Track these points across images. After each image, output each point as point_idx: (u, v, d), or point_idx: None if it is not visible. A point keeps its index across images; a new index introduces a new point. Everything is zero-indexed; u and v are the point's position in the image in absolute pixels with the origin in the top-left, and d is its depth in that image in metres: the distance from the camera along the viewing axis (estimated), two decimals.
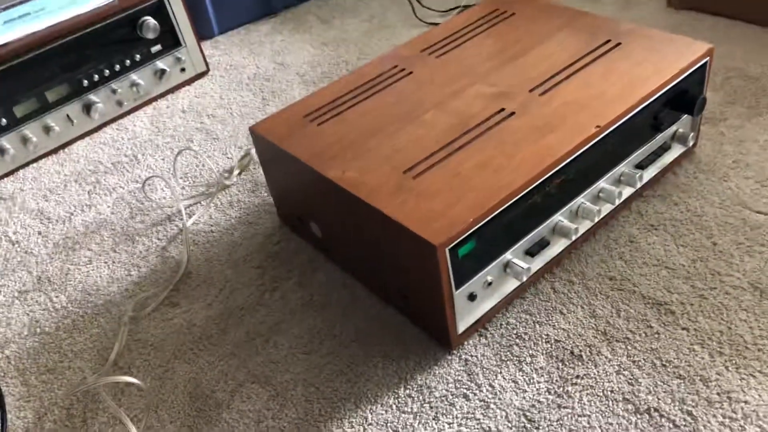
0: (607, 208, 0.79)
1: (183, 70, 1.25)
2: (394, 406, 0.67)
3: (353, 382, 0.70)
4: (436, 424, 0.65)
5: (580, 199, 0.75)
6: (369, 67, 0.89)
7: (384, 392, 0.69)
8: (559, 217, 0.74)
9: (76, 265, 0.92)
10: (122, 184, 1.05)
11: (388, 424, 0.66)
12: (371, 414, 0.67)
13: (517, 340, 0.71)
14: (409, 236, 0.63)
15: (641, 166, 0.81)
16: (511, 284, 0.73)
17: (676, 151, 0.86)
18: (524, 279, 0.71)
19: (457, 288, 0.66)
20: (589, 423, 0.63)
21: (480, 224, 0.64)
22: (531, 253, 0.73)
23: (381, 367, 0.71)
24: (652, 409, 0.62)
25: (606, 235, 0.81)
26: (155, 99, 1.24)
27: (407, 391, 0.68)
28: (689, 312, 0.70)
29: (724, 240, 0.77)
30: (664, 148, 0.83)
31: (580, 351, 0.69)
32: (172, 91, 1.25)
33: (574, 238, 0.75)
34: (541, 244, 0.73)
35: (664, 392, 0.64)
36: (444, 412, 0.66)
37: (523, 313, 0.74)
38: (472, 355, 0.71)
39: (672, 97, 0.79)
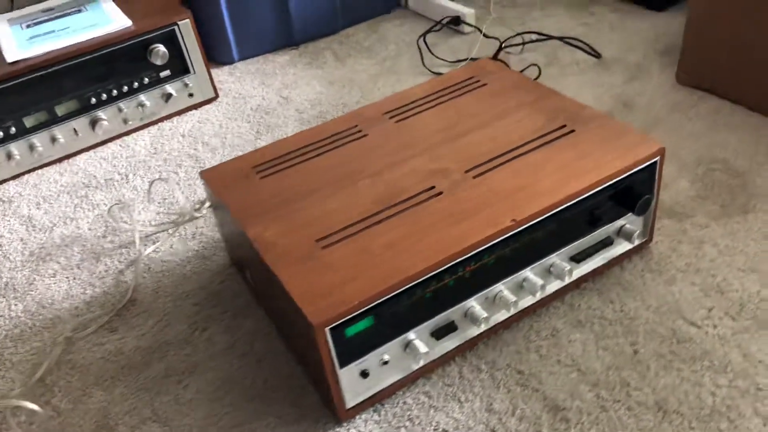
0: (529, 300, 0.77)
1: (191, 95, 1.30)
2: None
3: None
4: None
5: (499, 287, 0.74)
6: (331, 123, 0.91)
7: None
8: (473, 303, 0.73)
9: (41, 276, 0.97)
10: (106, 202, 1.10)
11: None
12: None
13: (407, 423, 0.71)
14: (296, 309, 0.64)
15: (576, 259, 0.79)
16: (413, 364, 0.72)
17: (622, 246, 0.83)
18: (421, 363, 0.71)
19: (342, 365, 0.66)
20: None
21: (370, 305, 0.64)
22: (436, 336, 0.72)
23: (272, 427, 0.72)
24: None
25: (530, 324, 0.79)
26: (161, 120, 1.29)
27: None
28: (584, 422, 0.68)
29: (646, 349, 0.74)
30: (605, 243, 0.80)
31: None
32: (179, 113, 1.31)
33: (483, 327, 0.74)
34: (449, 329, 0.72)
35: None
36: None
37: (423, 394, 0.73)
38: (360, 431, 0.71)
39: (616, 192, 0.77)
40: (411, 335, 0.71)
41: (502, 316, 0.76)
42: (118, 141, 1.26)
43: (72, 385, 0.80)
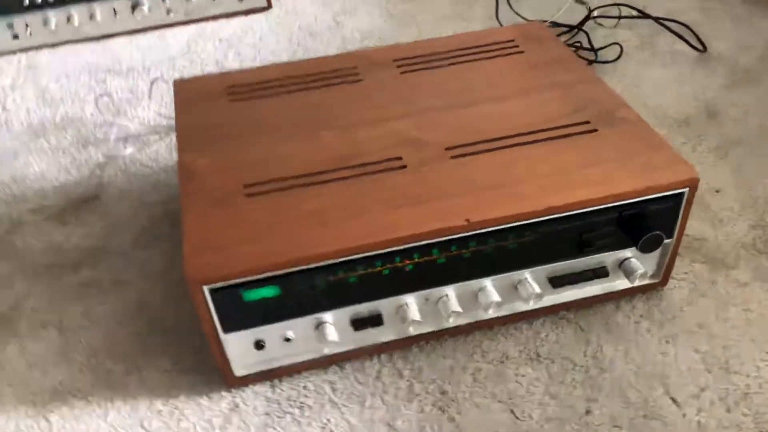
0: (482, 314, 0.65)
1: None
2: (137, 416, 0.62)
3: (129, 372, 0.66)
4: None
5: (447, 290, 0.63)
6: (331, 59, 0.80)
7: (143, 397, 0.64)
8: (409, 300, 0.62)
9: (29, 151, 0.95)
10: (119, 90, 1.06)
11: (117, 430, 0.62)
12: (114, 413, 0.63)
13: (297, 410, 0.62)
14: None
15: (555, 283, 0.65)
16: (323, 349, 0.63)
17: (622, 282, 0.68)
18: (326, 351, 0.62)
19: (228, 331, 0.59)
20: None
21: (265, 275, 0.55)
22: (355, 325, 0.62)
23: (162, 371, 0.66)
24: None
25: (481, 339, 0.67)
26: (206, 19, 1.23)
27: (161, 408, 0.63)
28: None
29: (602, 412, 0.61)
30: (598, 273, 0.66)
31: None
32: (225, 16, 1.23)
33: (412, 330, 0.63)
34: (373, 321, 0.62)
35: None
36: None
37: (329, 384, 0.64)
38: (245, 404, 0.63)
39: (620, 218, 0.62)
40: (327, 317, 0.61)
41: (441, 323, 0.65)
42: (157, 32, 1.21)
43: (2, 268, 0.78)
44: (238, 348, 0.60)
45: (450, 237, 0.58)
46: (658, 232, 0.61)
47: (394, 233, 0.56)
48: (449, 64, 0.77)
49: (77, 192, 0.88)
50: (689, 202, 0.62)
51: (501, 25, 1.18)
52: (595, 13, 1.16)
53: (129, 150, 0.94)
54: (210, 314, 0.56)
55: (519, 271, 0.64)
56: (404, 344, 0.66)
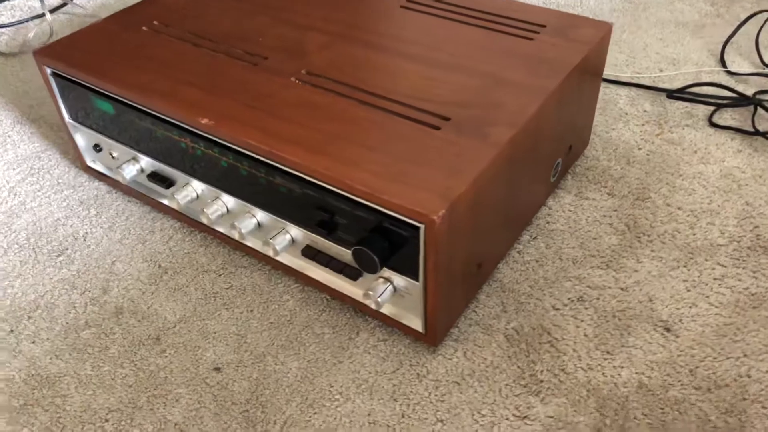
0: (234, 233, 0.66)
1: None
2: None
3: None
4: None
5: (224, 197, 0.66)
6: None
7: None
8: (195, 184, 0.68)
9: None
10: None
11: None
12: None
13: (96, 209, 0.76)
14: None
15: (306, 253, 0.62)
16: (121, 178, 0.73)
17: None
18: (120, 179, 0.72)
19: (73, 120, 0.75)
20: None
21: (97, 88, 0.68)
22: (150, 176, 0.71)
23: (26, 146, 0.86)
24: None
25: (232, 255, 0.70)
26: None
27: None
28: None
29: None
30: (346, 272, 0.60)
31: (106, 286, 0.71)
32: None
33: (175, 205, 0.69)
34: (162, 180, 0.70)
35: None
36: None
37: (128, 211, 0.77)
38: (84, 184, 0.80)
39: (355, 218, 0.55)
40: (140, 158, 0.71)
41: (200, 217, 0.70)
42: None
43: None
44: (84, 142, 0.76)
45: (197, 130, 0.62)
46: (367, 250, 0.53)
47: (179, 106, 0.62)
48: (452, 19, 0.73)
49: None
50: (432, 245, 0.51)
51: (722, 55, 0.95)
52: None
53: None
54: (55, 96, 0.73)
55: (285, 222, 0.63)
56: (178, 216, 0.74)
